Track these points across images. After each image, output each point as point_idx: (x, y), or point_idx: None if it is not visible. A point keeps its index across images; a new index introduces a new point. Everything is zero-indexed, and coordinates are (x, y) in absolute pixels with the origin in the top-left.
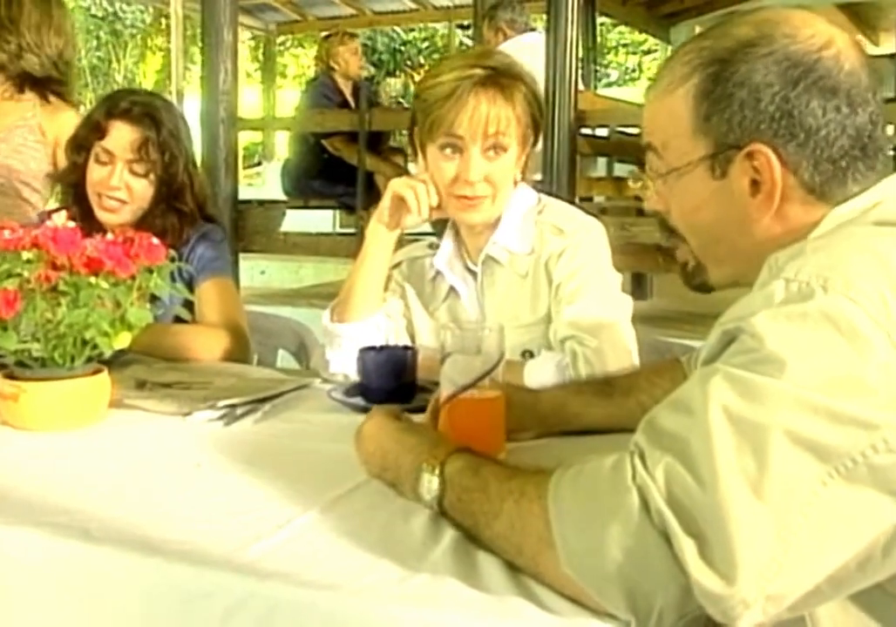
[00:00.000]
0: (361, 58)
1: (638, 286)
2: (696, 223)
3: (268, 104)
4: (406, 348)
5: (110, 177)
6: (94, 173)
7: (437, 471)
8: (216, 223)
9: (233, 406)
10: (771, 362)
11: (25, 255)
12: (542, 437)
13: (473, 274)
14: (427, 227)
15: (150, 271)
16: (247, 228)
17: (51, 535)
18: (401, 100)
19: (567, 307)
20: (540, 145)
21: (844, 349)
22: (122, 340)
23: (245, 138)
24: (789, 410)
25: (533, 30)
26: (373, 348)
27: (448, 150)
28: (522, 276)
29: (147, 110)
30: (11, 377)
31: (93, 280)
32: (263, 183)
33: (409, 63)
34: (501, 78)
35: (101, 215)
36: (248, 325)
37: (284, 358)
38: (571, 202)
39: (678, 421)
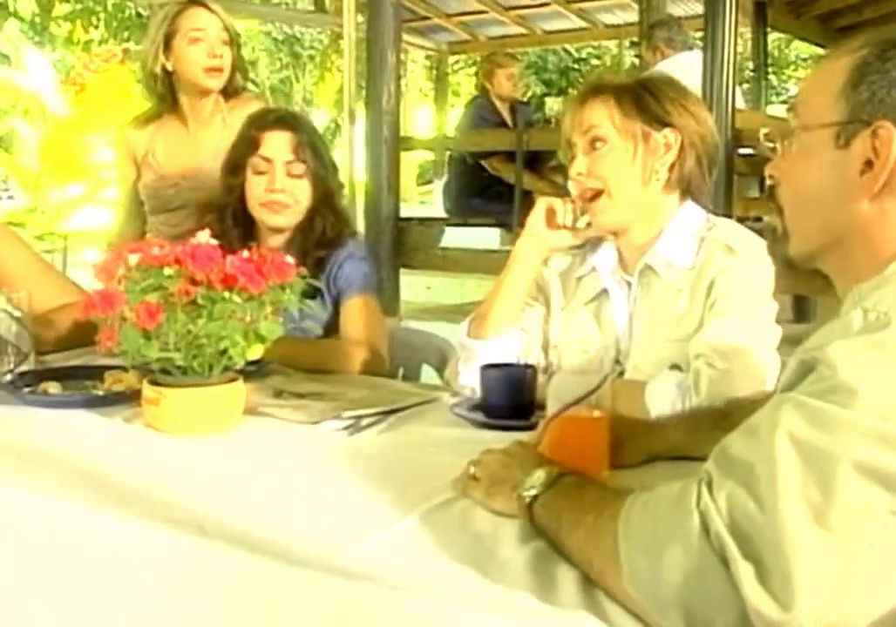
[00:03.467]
0: (518, 81)
1: (800, 309)
2: (801, 188)
3: (440, 122)
4: (526, 366)
5: (272, 182)
6: (255, 185)
7: (547, 477)
8: (360, 241)
9: (359, 417)
10: (843, 391)
11: (167, 271)
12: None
13: (627, 284)
14: None
15: (283, 288)
16: (407, 245)
17: (169, 530)
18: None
19: (711, 323)
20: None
21: None
22: (255, 351)
23: (421, 156)
24: (858, 440)
25: (692, 48)
26: (494, 365)
27: (570, 157)
28: (679, 290)
29: (295, 119)
30: (155, 383)
31: (227, 295)
32: (433, 200)
33: (580, 81)
34: (602, 85)
35: (268, 220)
36: (395, 341)
37: (428, 373)
38: None
39: (746, 447)
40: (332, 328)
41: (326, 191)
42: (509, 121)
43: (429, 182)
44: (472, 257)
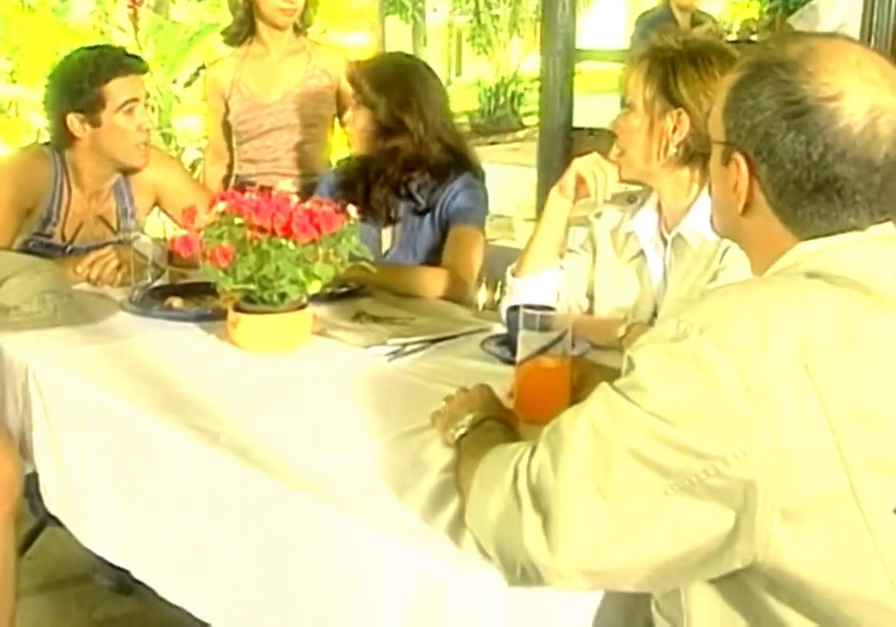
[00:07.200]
0: None
1: None
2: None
3: None
4: (548, 309)
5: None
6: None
7: (474, 419)
8: (477, 173)
9: (403, 344)
10: (637, 389)
11: (237, 221)
12: None
13: (665, 242)
14: None
15: (335, 235)
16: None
17: (193, 436)
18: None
19: (712, 284)
20: None
21: (700, 387)
22: (314, 287)
23: None
24: (638, 434)
25: None
26: (517, 307)
27: None
28: (701, 258)
29: (380, 58)
30: (239, 308)
31: (284, 242)
32: None
33: None
34: (646, 54)
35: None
36: None
37: None
38: None
39: (568, 423)
40: (440, 252)
41: (388, 125)
42: None
43: None
44: None
